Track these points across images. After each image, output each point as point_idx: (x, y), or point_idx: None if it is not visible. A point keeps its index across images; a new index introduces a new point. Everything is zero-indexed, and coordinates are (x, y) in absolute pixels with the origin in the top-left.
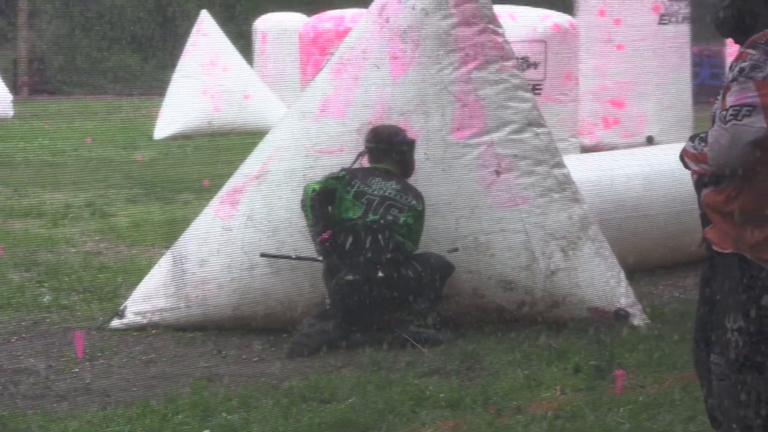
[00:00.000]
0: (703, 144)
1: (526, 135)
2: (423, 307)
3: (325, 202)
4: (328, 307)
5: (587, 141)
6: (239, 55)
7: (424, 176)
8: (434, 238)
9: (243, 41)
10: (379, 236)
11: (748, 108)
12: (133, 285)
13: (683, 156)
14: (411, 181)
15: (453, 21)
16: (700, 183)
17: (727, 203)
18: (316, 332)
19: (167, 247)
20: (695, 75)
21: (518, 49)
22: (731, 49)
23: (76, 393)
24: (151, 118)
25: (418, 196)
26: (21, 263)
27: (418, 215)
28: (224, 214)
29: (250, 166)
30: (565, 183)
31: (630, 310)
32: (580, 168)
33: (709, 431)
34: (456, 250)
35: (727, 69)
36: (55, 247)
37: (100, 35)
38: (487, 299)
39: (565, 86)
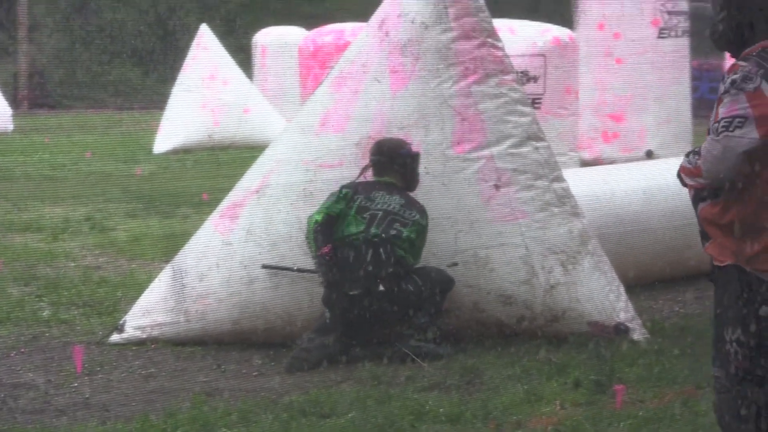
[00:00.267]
0: (697, 157)
1: (525, 149)
2: (423, 322)
3: (328, 232)
4: (328, 321)
5: (587, 155)
6: (239, 68)
7: (424, 190)
8: (434, 252)
9: (243, 55)
10: (381, 250)
11: (739, 119)
12: (133, 299)
13: (680, 173)
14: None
15: (453, 35)
16: (697, 198)
17: (722, 215)
18: (316, 347)
19: (167, 262)
20: (694, 89)
21: (518, 63)
22: (730, 62)
23: (75, 407)
24: (151, 132)
25: (422, 211)
26: (20, 277)
27: (422, 230)
28: (224, 228)
29: (249, 180)
30: (565, 197)
31: (630, 325)
32: (579, 182)
33: None
34: (456, 264)
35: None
36: (54, 261)
37: (101, 49)
38: (487, 313)
39: (565, 100)
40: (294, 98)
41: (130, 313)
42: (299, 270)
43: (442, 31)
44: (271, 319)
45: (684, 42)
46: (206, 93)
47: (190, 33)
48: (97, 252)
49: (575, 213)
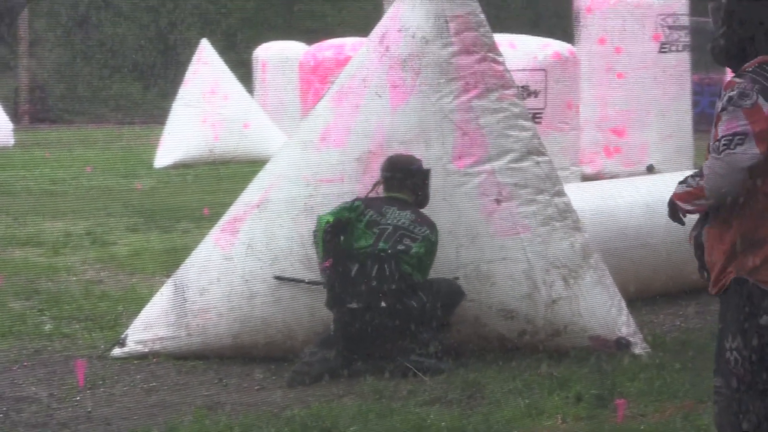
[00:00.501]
0: (698, 179)
1: (526, 163)
2: (425, 336)
3: (337, 235)
4: (332, 333)
5: (589, 170)
6: (239, 83)
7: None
8: (435, 266)
9: (243, 70)
10: (386, 266)
11: (740, 137)
12: (134, 313)
13: (672, 202)
14: None
15: (453, 49)
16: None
17: (723, 229)
18: (318, 361)
19: (167, 276)
20: (695, 104)
21: (518, 78)
22: (731, 77)
23: (77, 421)
24: (152, 147)
25: (432, 226)
26: (22, 292)
27: (431, 246)
28: (225, 243)
29: (250, 194)
30: (566, 211)
31: (631, 339)
32: (581, 196)
33: None
34: (457, 278)
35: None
36: (55, 276)
37: (102, 63)
38: (489, 328)
39: (566, 115)
40: (294, 113)
41: (132, 327)
42: (310, 282)
43: (443, 46)
44: (272, 333)
45: (685, 57)
46: (207, 108)
47: (191, 48)
48: (98, 266)
49: (577, 227)
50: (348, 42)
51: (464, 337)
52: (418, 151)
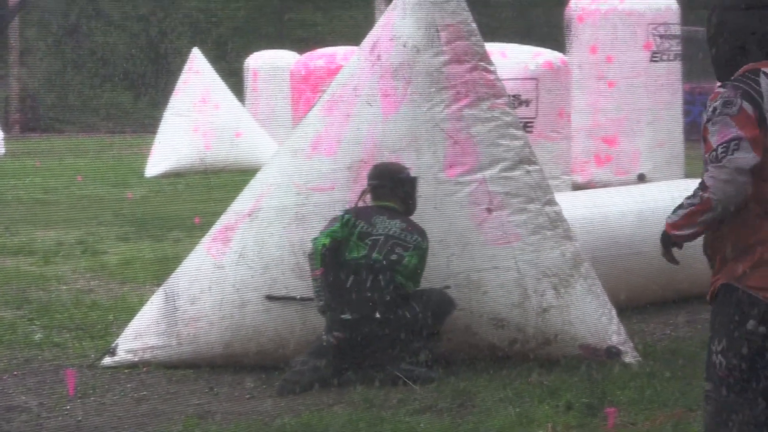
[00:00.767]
0: (696, 197)
1: (517, 172)
2: (416, 345)
3: (334, 258)
4: (324, 344)
5: (579, 178)
6: (231, 92)
7: (416, 213)
8: (426, 275)
9: (234, 79)
10: (380, 277)
11: (735, 142)
12: (125, 322)
13: (665, 236)
14: None
15: (444, 58)
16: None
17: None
18: (308, 369)
19: (158, 285)
20: (687, 113)
21: (510, 87)
22: None
23: (68, 430)
24: (143, 156)
25: (422, 233)
26: (12, 301)
27: (423, 253)
28: (216, 252)
29: (241, 203)
30: (557, 220)
31: (621, 348)
32: (572, 205)
33: None
34: (448, 287)
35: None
36: (46, 285)
37: (92, 73)
38: (479, 336)
39: (557, 123)
40: (285, 122)
41: (122, 336)
42: (303, 299)
43: (434, 55)
44: (263, 342)
45: (676, 66)
46: (198, 117)
47: (182, 57)
48: (88, 275)
49: (568, 236)
50: (339, 51)
51: (455, 346)
52: (409, 160)
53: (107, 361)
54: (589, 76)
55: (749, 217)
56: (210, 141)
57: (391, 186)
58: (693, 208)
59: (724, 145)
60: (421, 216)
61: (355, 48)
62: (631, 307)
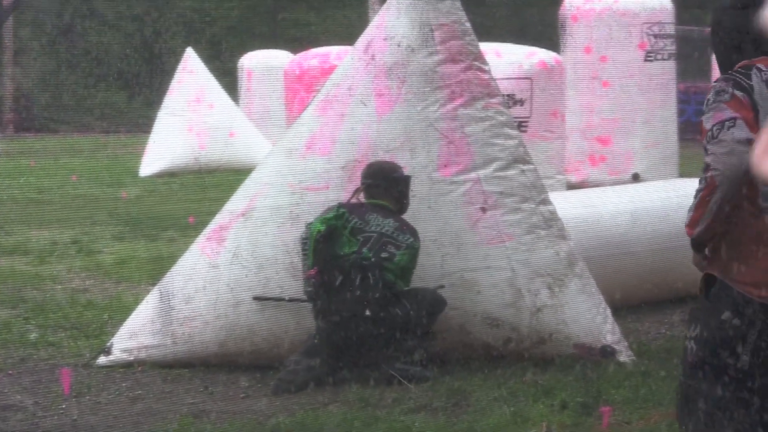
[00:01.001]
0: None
1: (512, 172)
2: (410, 344)
3: (328, 244)
4: (316, 341)
5: (574, 178)
6: (224, 92)
7: (410, 213)
8: (420, 275)
9: (228, 78)
10: (370, 274)
11: (730, 121)
12: (120, 322)
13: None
14: None
15: (439, 58)
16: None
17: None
18: (303, 369)
19: (153, 284)
20: (681, 112)
21: (504, 86)
22: None
23: (63, 429)
24: (137, 156)
25: (414, 233)
26: (7, 300)
27: (414, 253)
28: (210, 251)
29: (236, 203)
30: (552, 220)
31: (616, 347)
32: (566, 205)
33: None
34: (442, 287)
35: None
36: (41, 284)
37: (87, 72)
38: (474, 336)
39: (552, 123)
40: (279, 121)
41: (117, 335)
42: (291, 299)
43: (428, 55)
44: (257, 341)
45: (671, 65)
46: (192, 116)
47: (176, 56)
48: (83, 275)
49: (562, 236)
50: (333, 51)
51: (449, 345)
52: (403, 160)
53: (102, 360)
54: (583, 76)
55: (743, 216)
56: (204, 140)
57: (385, 185)
58: (702, 194)
59: (719, 124)
60: (415, 215)
61: (349, 48)
62: (625, 306)
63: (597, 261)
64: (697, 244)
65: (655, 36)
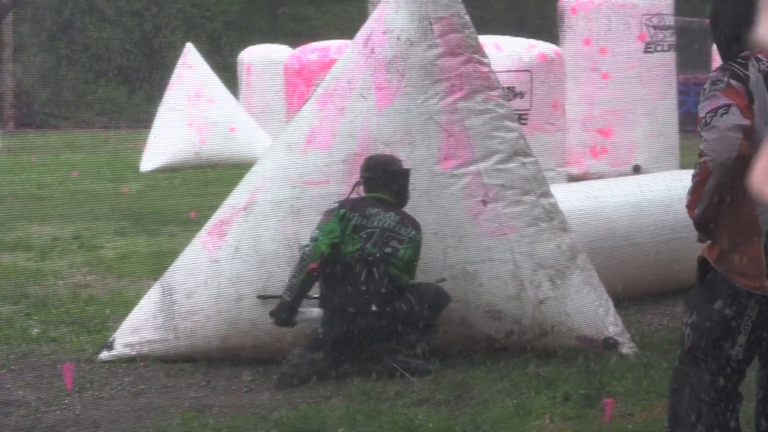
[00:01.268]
0: (698, 161)
1: (512, 164)
2: (412, 337)
3: (333, 266)
4: (320, 336)
5: (575, 170)
6: (224, 87)
7: (411, 206)
8: (422, 268)
9: (228, 73)
10: (374, 269)
11: (723, 108)
12: (122, 317)
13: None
14: None
15: (438, 51)
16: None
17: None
18: (306, 363)
19: (155, 279)
20: (681, 103)
21: (504, 79)
22: None
23: (65, 424)
24: (138, 151)
25: (416, 226)
26: (9, 296)
27: (417, 246)
28: (211, 246)
29: (236, 197)
30: (553, 212)
31: (618, 339)
32: (568, 197)
33: None
34: (444, 280)
35: None
36: (43, 280)
37: (87, 68)
38: (476, 328)
39: (552, 115)
40: (279, 116)
41: (120, 330)
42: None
43: (428, 48)
44: (259, 335)
45: (670, 56)
46: (192, 111)
47: (176, 51)
48: (85, 270)
49: (563, 228)
50: (333, 44)
51: (452, 338)
52: (403, 153)
53: (104, 355)
54: (583, 68)
55: (743, 206)
56: (205, 135)
57: (384, 178)
58: (696, 179)
59: (712, 111)
60: (416, 209)
61: (348, 41)
62: (627, 298)
63: (599, 253)
64: (698, 224)
65: (655, 27)
